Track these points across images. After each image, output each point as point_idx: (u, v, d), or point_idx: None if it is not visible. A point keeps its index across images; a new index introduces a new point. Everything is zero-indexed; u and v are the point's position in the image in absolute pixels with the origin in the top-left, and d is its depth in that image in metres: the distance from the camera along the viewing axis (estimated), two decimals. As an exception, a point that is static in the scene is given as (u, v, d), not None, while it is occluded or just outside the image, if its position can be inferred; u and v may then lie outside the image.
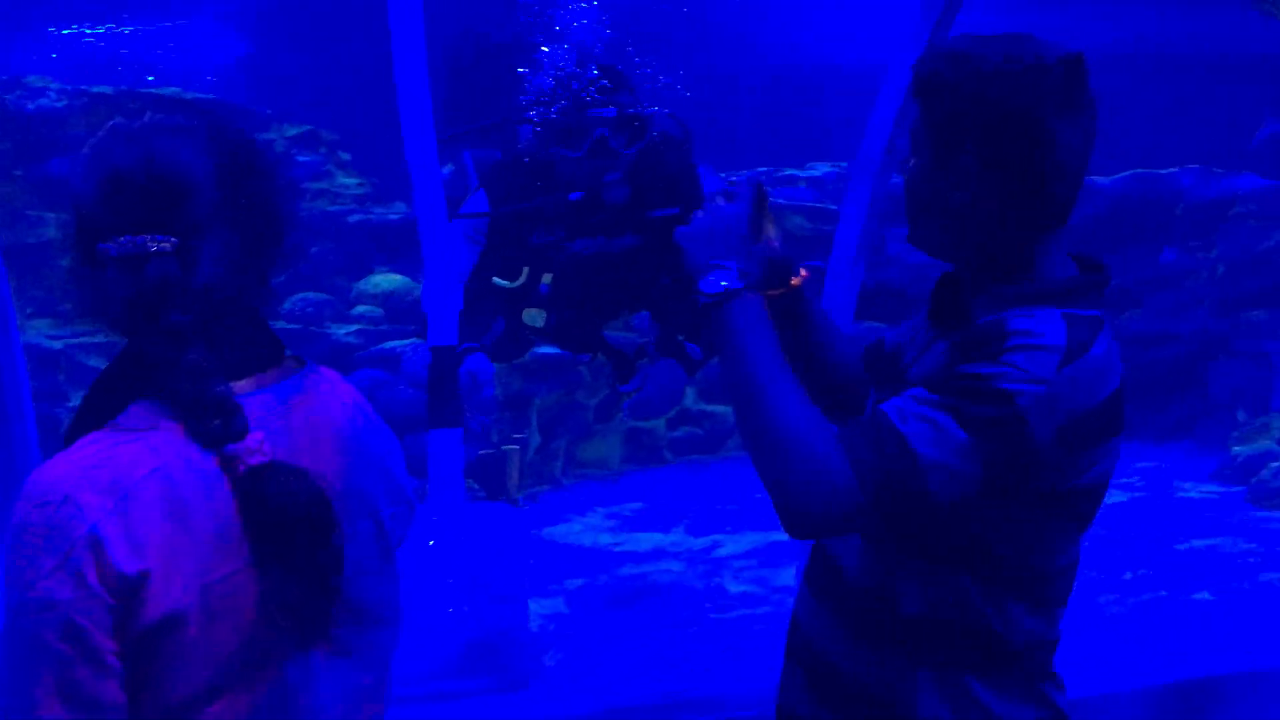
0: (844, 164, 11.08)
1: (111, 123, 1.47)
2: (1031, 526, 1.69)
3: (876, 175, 3.55)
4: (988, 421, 1.55)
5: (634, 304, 3.99)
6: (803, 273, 1.95)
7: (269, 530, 1.37)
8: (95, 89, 8.86)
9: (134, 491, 1.33)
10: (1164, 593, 5.01)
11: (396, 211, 9.16)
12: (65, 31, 12.29)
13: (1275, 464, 6.21)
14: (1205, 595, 4.97)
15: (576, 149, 3.64)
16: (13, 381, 3.04)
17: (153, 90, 9.16)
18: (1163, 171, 7.77)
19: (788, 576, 5.12)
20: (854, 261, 3.54)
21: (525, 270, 3.86)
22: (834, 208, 9.41)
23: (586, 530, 6.16)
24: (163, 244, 1.39)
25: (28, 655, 1.29)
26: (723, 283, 1.68)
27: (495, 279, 3.93)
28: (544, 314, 3.91)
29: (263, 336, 1.51)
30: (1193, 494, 6.36)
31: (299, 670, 1.45)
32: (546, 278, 3.85)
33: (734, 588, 5.25)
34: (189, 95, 9.23)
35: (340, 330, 7.76)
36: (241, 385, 1.44)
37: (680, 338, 3.94)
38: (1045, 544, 1.72)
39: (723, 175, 4.12)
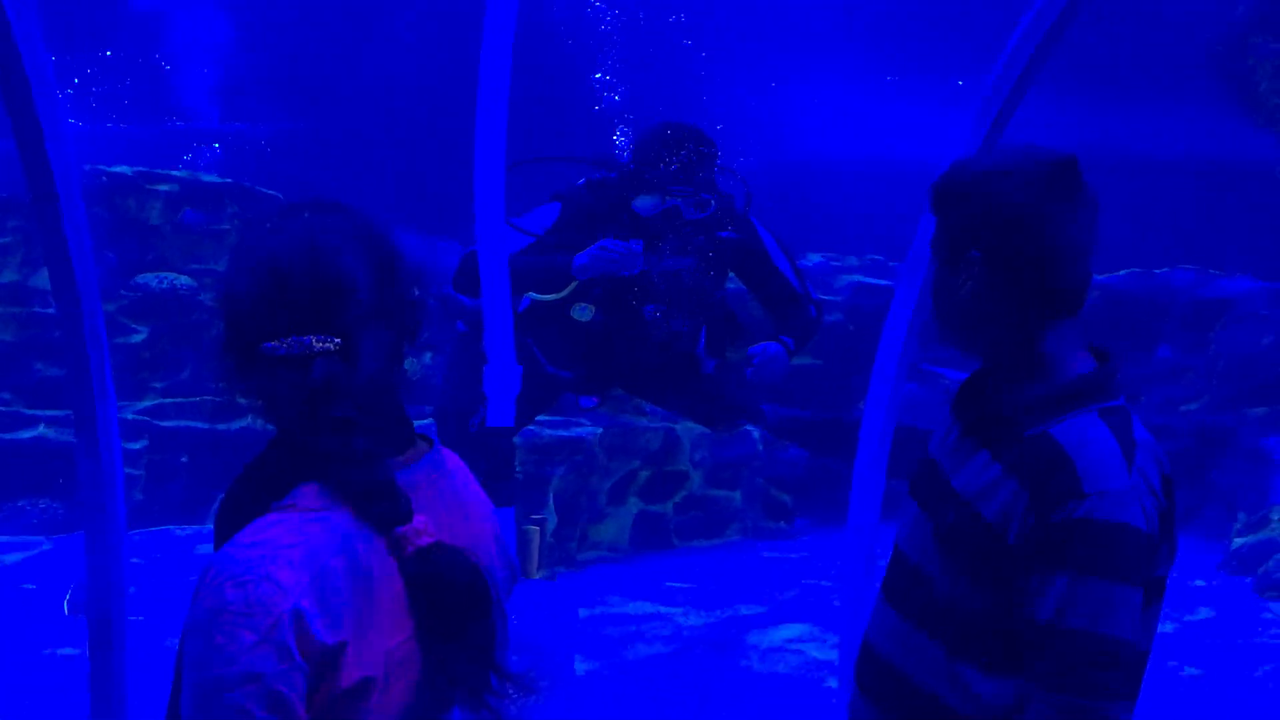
0: (835, 255, 11.42)
1: (267, 224, 1.51)
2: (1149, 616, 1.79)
3: (920, 292, 3.52)
4: (1127, 560, 1.66)
5: (691, 311, 4.41)
6: None
7: (436, 607, 1.46)
8: (114, 169, 9.00)
9: (327, 568, 1.40)
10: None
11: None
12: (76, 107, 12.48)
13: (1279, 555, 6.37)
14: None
15: (651, 209, 4.16)
16: (109, 450, 3.16)
17: (169, 172, 9.29)
18: (1157, 271, 8.03)
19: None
20: (898, 368, 3.54)
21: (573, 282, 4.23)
22: (829, 298, 9.72)
23: (614, 609, 6.23)
24: (327, 344, 1.45)
25: None
26: None
27: (535, 295, 4.31)
28: (593, 309, 4.28)
29: (403, 418, 1.59)
30: (1200, 583, 6.51)
31: None
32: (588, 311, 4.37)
33: (782, 667, 5.31)
34: (205, 178, 9.36)
35: (351, 411, 7.80)
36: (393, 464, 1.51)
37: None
38: (1149, 631, 1.81)
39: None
